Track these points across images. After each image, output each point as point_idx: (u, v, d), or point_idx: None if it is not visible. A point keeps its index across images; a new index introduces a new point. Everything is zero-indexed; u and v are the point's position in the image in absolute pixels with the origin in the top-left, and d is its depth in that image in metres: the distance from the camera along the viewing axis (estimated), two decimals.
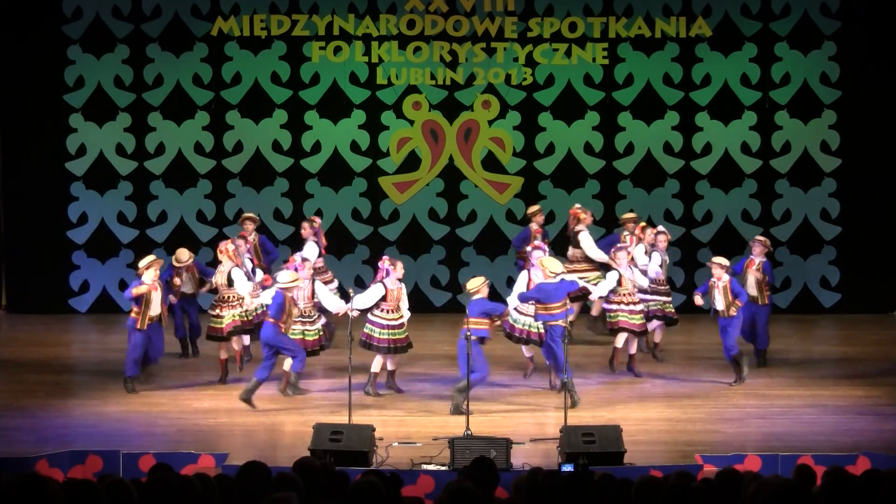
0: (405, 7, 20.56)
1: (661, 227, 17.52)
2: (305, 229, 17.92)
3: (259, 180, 20.73)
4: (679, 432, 13.65)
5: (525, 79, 20.62)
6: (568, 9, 20.52)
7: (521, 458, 12.29)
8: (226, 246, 16.22)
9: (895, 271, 20.66)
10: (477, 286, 14.68)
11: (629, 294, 16.12)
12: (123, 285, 20.61)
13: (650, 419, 14.08)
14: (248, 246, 17.01)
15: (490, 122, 20.72)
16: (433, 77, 20.63)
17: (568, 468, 11.43)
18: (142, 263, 15.82)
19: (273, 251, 18.36)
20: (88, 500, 6.68)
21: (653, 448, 12.95)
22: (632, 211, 18.79)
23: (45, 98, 20.43)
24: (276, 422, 14.03)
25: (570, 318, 15.32)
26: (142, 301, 15.42)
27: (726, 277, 15.95)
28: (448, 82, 20.64)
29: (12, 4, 20.36)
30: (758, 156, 20.71)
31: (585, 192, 20.73)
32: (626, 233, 17.79)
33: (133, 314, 15.47)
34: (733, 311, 15.77)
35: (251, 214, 18.23)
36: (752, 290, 16.58)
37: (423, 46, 20.59)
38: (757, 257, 16.83)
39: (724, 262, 16.17)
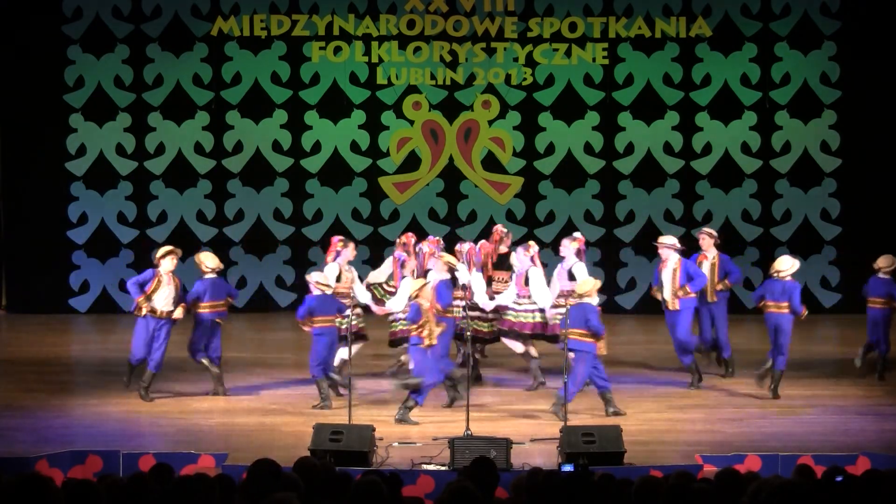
0: (405, 7, 20.58)
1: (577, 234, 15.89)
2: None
3: (259, 180, 20.74)
4: (679, 432, 13.64)
5: (525, 79, 20.63)
6: (568, 9, 20.53)
7: (521, 458, 12.28)
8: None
9: (895, 272, 20.61)
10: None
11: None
12: (123, 286, 20.62)
13: (650, 419, 14.07)
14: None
15: (490, 122, 20.73)
16: (433, 77, 20.64)
17: (568, 468, 11.42)
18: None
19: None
20: (88, 500, 6.68)
21: (653, 448, 12.92)
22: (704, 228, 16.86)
23: (45, 98, 20.44)
24: (276, 422, 14.02)
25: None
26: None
27: (676, 257, 15.27)
28: (448, 82, 20.65)
29: (12, 4, 20.38)
30: (758, 156, 20.72)
31: (585, 192, 20.74)
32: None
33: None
34: (678, 303, 15.10)
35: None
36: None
37: (423, 46, 20.60)
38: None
39: (670, 240, 15.47)
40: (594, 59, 20.59)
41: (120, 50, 20.48)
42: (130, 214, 20.72)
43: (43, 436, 13.22)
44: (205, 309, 14.90)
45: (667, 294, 15.21)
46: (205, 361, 15.01)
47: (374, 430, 12.55)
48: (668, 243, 15.40)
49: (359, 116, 20.69)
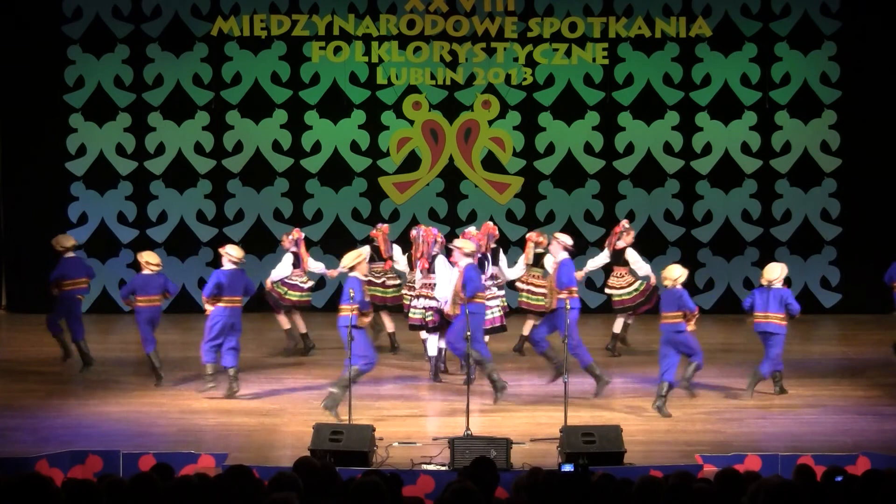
0: (405, 7, 20.57)
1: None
2: (284, 241, 17.45)
3: (259, 180, 20.73)
4: (679, 432, 13.64)
5: (525, 79, 20.63)
6: (568, 9, 20.53)
7: (521, 458, 12.28)
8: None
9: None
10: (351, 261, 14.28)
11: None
12: (124, 285, 20.61)
13: (650, 419, 14.07)
14: None
15: (490, 122, 20.73)
16: (433, 77, 20.64)
17: (568, 468, 11.42)
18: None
19: None
20: (88, 500, 6.68)
21: (653, 448, 12.93)
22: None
23: (45, 98, 20.43)
24: (276, 422, 14.03)
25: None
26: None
27: (465, 262, 14.69)
28: (448, 82, 20.65)
29: (12, 5, 20.38)
30: (758, 156, 20.71)
31: (585, 192, 20.74)
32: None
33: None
34: (457, 309, 14.59)
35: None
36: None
37: (423, 46, 20.59)
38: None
39: (467, 245, 14.85)
40: (594, 59, 20.58)
41: (120, 50, 20.48)
42: (130, 214, 20.72)
43: (43, 436, 13.23)
44: (68, 287, 16.36)
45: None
46: (64, 336, 16.47)
47: (374, 430, 12.56)
48: (457, 245, 14.90)
49: (359, 116, 20.69)
